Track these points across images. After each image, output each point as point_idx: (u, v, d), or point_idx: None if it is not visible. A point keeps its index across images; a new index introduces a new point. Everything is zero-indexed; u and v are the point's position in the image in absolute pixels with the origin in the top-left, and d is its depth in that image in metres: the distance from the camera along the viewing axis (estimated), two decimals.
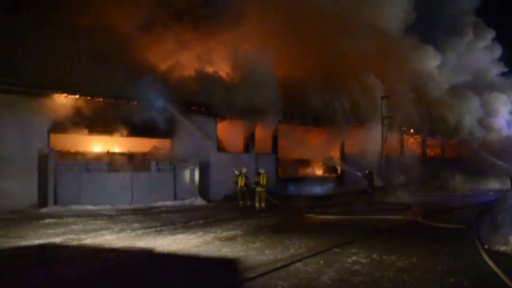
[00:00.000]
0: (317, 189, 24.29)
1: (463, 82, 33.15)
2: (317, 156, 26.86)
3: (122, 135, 19.28)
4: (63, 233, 10.94)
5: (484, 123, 34.29)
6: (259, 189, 16.37)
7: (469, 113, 32.77)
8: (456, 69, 32.30)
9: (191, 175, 20.00)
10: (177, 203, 18.71)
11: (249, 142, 23.48)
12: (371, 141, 26.72)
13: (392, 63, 27.48)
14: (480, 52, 34.88)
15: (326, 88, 24.40)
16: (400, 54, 28.33)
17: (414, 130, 33.08)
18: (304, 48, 25.44)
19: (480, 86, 34.03)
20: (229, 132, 23.56)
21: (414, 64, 28.95)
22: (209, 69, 22.46)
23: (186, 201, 19.09)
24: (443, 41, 31.93)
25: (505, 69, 36.74)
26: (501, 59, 36.40)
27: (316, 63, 25.44)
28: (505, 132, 35.71)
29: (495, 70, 36.28)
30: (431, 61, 30.07)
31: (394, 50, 27.93)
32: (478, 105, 33.47)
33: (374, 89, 26.01)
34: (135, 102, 18.94)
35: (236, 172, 16.96)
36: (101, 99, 18.92)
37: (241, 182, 16.67)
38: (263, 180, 16.38)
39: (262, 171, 16.83)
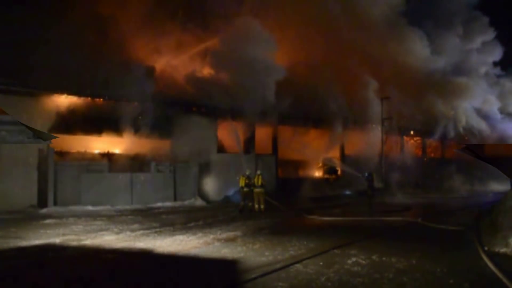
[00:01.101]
0: (317, 190, 24.26)
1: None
2: (317, 157, 26.88)
3: (122, 136, 19.29)
4: (63, 234, 10.94)
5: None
6: (257, 190, 16.38)
7: (465, 99, 32.33)
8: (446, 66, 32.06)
9: (191, 176, 19.99)
10: (177, 204, 18.71)
11: (249, 143, 23.47)
12: (371, 142, 26.74)
13: (381, 49, 27.37)
14: (472, 52, 34.55)
15: (323, 89, 24.43)
16: (387, 38, 28.18)
17: (414, 132, 33.07)
18: (301, 46, 25.51)
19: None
20: (229, 133, 23.56)
21: (400, 46, 28.69)
22: (210, 70, 22.48)
23: (186, 202, 19.09)
24: (434, 37, 31.72)
25: (501, 72, 36.37)
26: (497, 59, 36.04)
27: (313, 62, 25.46)
28: (498, 131, 35.48)
29: (485, 69, 35.83)
30: (417, 44, 29.78)
31: (383, 36, 27.83)
32: (475, 92, 32.91)
33: (368, 84, 26.10)
34: (135, 103, 18.95)
35: (246, 173, 17.03)
36: (101, 100, 18.93)
37: (241, 182, 16.68)
38: (257, 181, 16.38)
39: (258, 172, 16.87)
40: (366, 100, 26.14)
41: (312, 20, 25.23)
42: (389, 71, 27.88)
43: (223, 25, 22.48)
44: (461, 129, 32.76)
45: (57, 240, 10.14)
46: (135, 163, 19.34)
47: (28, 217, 14.36)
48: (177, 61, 22.93)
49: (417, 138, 34.54)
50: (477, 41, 34.37)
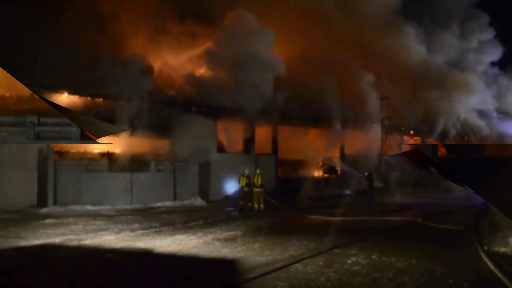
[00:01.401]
0: (317, 190, 24.26)
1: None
2: (317, 157, 26.90)
3: (122, 135, 19.26)
4: (63, 234, 10.93)
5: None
6: (256, 189, 16.40)
7: (463, 94, 32.14)
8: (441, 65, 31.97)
9: (191, 175, 19.99)
10: (177, 203, 18.70)
11: (249, 143, 23.45)
12: (370, 142, 26.75)
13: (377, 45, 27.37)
14: (470, 52, 34.40)
15: (321, 86, 24.39)
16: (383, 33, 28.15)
17: (413, 131, 33.06)
18: (297, 43, 25.50)
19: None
20: (229, 132, 23.53)
21: (397, 41, 28.57)
22: (209, 70, 22.45)
23: (186, 202, 19.08)
24: (432, 35, 31.59)
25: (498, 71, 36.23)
26: (496, 58, 35.87)
27: (310, 59, 25.46)
28: (496, 131, 35.37)
29: (482, 68, 35.65)
30: (414, 40, 29.68)
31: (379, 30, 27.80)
32: (474, 88, 32.67)
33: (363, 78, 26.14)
34: (135, 102, 18.93)
35: (246, 172, 17.03)
36: (101, 99, 18.91)
37: (242, 182, 16.69)
38: (257, 180, 16.39)
39: (258, 171, 16.89)
40: (363, 96, 26.14)
41: (308, 16, 25.24)
42: (386, 66, 27.84)
43: (220, 21, 22.45)
44: (459, 126, 32.67)
45: (57, 240, 10.14)
46: (135, 163, 19.32)
47: (28, 217, 14.34)
48: (176, 60, 22.89)
49: (417, 137, 34.52)
50: (476, 40, 34.28)
